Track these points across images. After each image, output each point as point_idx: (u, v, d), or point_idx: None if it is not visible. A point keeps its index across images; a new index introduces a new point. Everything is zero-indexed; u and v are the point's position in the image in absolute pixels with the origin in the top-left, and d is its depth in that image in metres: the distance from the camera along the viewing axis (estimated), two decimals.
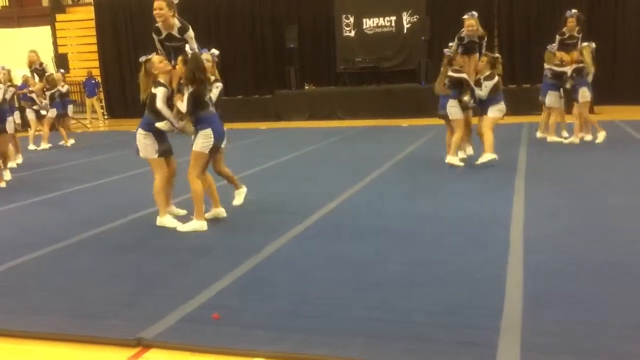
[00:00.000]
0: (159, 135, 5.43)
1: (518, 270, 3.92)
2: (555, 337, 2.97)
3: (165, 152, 5.52)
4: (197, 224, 5.31)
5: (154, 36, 5.43)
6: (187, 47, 5.24)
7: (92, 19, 20.51)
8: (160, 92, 5.27)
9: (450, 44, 8.00)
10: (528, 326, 3.09)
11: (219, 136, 5.32)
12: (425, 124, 12.72)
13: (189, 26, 5.35)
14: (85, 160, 10.71)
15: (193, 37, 5.35)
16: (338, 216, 5.65)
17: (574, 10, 9.66)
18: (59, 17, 21.55)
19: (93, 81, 18.63)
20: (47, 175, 9.15)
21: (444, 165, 7.88)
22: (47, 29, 21.03)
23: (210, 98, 5.36)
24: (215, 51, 6.04)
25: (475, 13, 7.88)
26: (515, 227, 4.94)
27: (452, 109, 7.84)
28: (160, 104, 5.23)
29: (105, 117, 19.56)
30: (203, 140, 5.23)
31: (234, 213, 5.63)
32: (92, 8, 20.55)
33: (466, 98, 7.71)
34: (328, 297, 3.63)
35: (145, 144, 5.40)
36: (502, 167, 7.54)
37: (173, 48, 5.40)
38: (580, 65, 9.21)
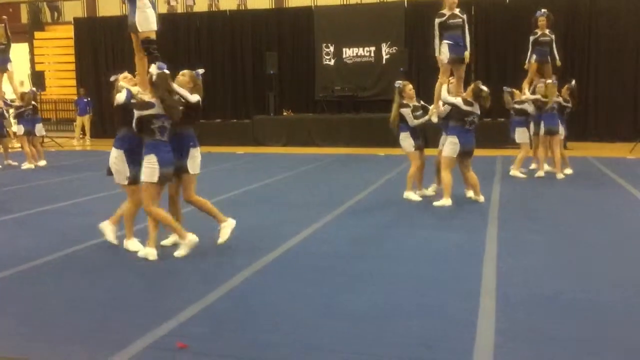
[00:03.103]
0: (133, 157, 5.23)
1: (490, 304, 3.92)
2: None
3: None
4: (186, 245, 5.15)
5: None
6: (154, 67, 4.98)
7: (71, 38, 20.40)
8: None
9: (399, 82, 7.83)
10: None
11: (162, 163, 5.03)
12: (402, 154, 12.78)
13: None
14: (54, 180, 10.51)
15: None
16: (311, 245, 5.61)
17: (543, 10, 9.96)
18: (37, 34, 21.42)
19: (85, 99, 18.36)
20: (12, 195, 8.94)
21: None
22: (24, 45, 20.86)
23: (160, 127, 5.05)
24: (200, 70, 5.59)
25: None
26: (488, 260, 4.95)
27: (404, 142, 7.71)
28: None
29: (81, 136, 19.21)
30: (147, 169, 5.03)
31: (204, 239, 5.55)
32: (71, 27, 20.46)
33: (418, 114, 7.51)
34: (299, 328, 3.58)
35: (116, 169, 5.26)
36: (476, 201, 7.58)
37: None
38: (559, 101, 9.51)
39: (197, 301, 4.01)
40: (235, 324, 3.65)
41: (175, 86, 5.15)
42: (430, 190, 8.06)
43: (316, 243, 5.67)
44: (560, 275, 4.59)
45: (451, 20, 7.66)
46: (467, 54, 7.70)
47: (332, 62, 17.84)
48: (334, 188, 9.05)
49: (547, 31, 9.96)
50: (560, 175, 9.44)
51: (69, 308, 3.98)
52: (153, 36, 5.23)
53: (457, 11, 7.69)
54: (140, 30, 5.14)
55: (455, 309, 3.84)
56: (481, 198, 7.49)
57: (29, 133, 12.26)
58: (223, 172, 10.92)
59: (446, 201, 7.30)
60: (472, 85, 7.40)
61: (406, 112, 7.57)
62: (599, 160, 11.69)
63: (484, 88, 7.24)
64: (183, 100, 5.21)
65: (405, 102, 7.61)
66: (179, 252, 5.18)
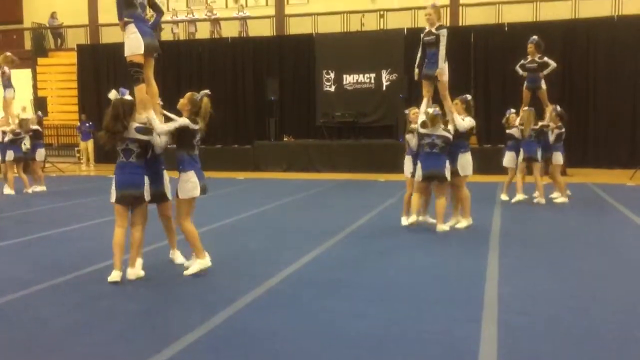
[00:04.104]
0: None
1: (492, 329, 3.91)
2: None
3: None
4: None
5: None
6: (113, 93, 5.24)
7: (74, 64, 20.60)
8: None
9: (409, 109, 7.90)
10: None
11: (119, 184, 5.15)
12: (402, 180, 12.79)
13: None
14: (55, 205, 10.51)
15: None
16: (311, 270, 5.59)
17: (533, 37, 10.06)
18: (40, 60, 21.63)
19: (87, 124, 18.36)
20: (10, 221, 8.91)
21: (419, 222, 7.85)
22: (27, 72, 21.04)
23: (124, 150, 5.13)
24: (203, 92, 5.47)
25: None
26: (489, 286, 4.94)
27: (405, 165, 7.73)
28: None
29: (81, 160, 19.25)
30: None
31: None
32: (74, 53, 20.66)
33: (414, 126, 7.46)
34: (298, 354, 3.55)
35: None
36: (476, 226, 7.57)
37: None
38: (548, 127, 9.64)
39: (197, 327, 3.98)
40: (236, 350, 3.62)
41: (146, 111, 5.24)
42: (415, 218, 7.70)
43: (317, 269, 5.66)
44: (560, 301, 4.57)
45: (426, 38, 7.52)
46: (438, 71, 7.38)
47: (332, 89, 18.01)
48: (334, 214, 9.05)
49: (536, 57, 9.99)
50: (541, 200, 9.55)
51: (67, 335, 3.95)
52: (137, 60, 5.40)
53: (433, 28, 7.45)
54: (125, 54, 5.46)
55: (457, 334, 3.82)
56: (440, 227, 7.25)
57: (19, 160, 11.98)
58: (223, 198, 10.93)
59: (443, 226, 7.29)
60: (458, 103, 7.55)
61: (409, 137, 7.65)
62: (599, 187, 11.71)
63: (430, 110, 7.18)
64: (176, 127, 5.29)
65: (411, 127, 7.63)
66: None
